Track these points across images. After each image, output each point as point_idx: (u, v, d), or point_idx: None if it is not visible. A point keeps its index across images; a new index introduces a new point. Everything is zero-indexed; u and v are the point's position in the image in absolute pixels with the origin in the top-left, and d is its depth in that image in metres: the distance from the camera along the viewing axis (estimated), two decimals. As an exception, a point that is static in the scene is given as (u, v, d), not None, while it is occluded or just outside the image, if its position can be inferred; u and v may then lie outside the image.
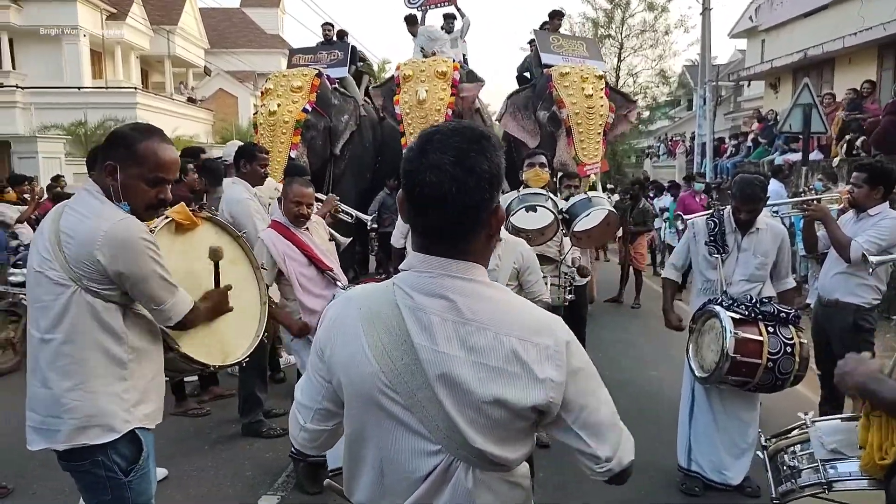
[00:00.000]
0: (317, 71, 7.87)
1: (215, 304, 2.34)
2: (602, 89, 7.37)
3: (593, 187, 6.79)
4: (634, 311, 8.87)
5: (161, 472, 3.60)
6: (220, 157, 5.94)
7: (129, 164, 2.00)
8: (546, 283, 3.53)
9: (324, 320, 1.35)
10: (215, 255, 2.39)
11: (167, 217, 2.31)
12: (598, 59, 8.86)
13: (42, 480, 3.75)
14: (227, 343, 2.46)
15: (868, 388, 1.74)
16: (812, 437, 2.12)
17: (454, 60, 7.96)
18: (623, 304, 9.28)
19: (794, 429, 2.27)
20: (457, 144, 1.18)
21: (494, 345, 1.18)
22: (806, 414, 2.22)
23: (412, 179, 1.18)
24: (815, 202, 3.97)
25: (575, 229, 4.26)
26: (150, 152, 2.01)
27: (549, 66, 7.85)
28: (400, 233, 5.85)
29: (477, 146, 1.19)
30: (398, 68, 7.86)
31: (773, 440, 2.34)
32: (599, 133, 7.22)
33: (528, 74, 9.11)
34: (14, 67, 22.07)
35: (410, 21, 9.44)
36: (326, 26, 9.70)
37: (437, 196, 1.16)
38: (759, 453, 2.43)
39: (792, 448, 2.23)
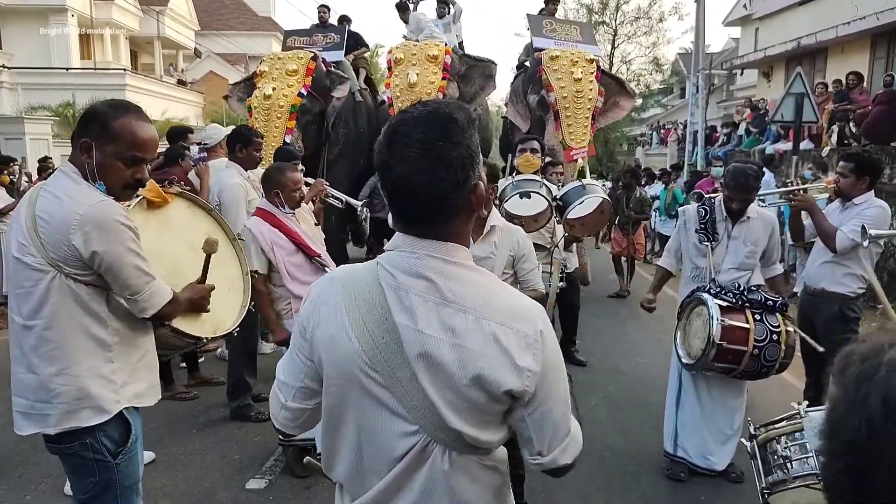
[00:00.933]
0: (312, 54, 7.78)
1: (198, 299, 2.26)
2: (593, 73, 7.31)
3: (582, 172, 6.76)
4: (624, 299, 8.85)
5: (148, 456, 3.60)
6: (201, 142, 5.89)
7: (104, 141, 1.94)
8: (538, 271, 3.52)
9: (307, 298, 1.34)
10: (210, 248, 2.29)
11: (138, 195, 2.24)
12: (592, 43, 8.77)
13: (28, 464, 3.74)
14: (215, 316, 2.43)
15: None
16: (806, 427, 2.09)
17: (447, 44, 7.89)
18: (627, 296, 8.95)
19: (784, 418, 2.24)
20: (421, 136, 1.17)
21: (474, 328, 1.18)
22: (800, 403, 2.19)
23: (383, 174, 1.20)
24: (801, 192, 3.98)
25: (568, 217, 4.25)
26: (128, 130, 1.95)
27: (540, 50, 7.81)
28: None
29: (443, 133, 1.18)
30: (390, 52, 7.80)
31: (762, 429, 2.31)
32: (587, 117, 7.17)
33: (528, 63, 9.05)
34: (1, 47, 21.74)
35: (402, 8, 9.34)
36: (322, 8, 9.54)
37: (409, 189, 1.17)
38: (744, 441, 2.41)
39: (784, 437, 2.20)
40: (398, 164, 1.17)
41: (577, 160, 6.96)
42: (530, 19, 8.59)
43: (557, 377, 1.26)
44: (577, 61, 7.29)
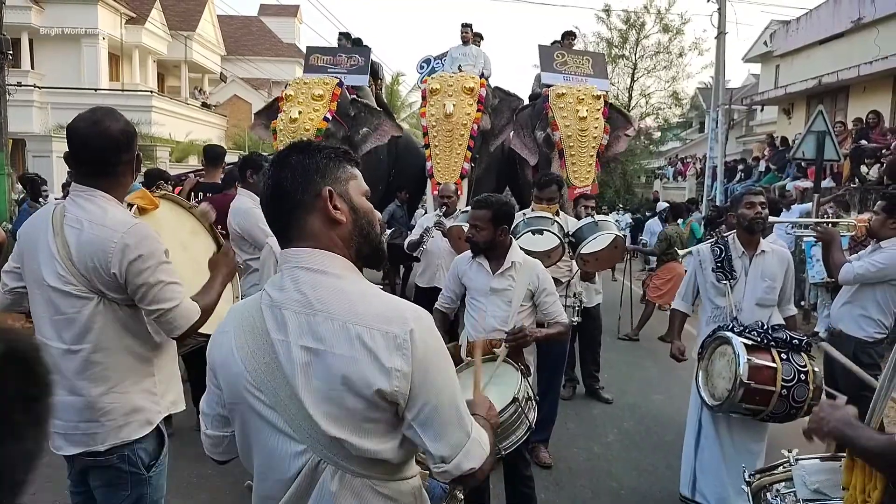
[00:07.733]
0: (338, 80, 7.91)
1: (230, 269, 2.33)
2: (599, 110, 7.29)
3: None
4: (640, 334, 8.64)
5: None
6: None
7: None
8: None
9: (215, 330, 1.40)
10: (206, 217, 2.55)
11: (131, 204, 2.29)
12: (604, 76, 8.72)
13: (42, 480, 3.73)
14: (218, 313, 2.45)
15: (845, 435, 1.70)
16: (795, 476, 2.02)
17: (484, 77, 8.00)
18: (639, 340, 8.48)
19: (778, 465, 2.16)
20: (286, 149, 1.36)
21: (340, 333, 1.20)
22: (790, 451, 2.11)
23: (262, 181, 1.35)
24: (829, 225, 3.98)
25: (581, 252, 4.23)
26: None
27: (548, 86, 7.85)
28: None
29: (306, 147, 1.35)
30: (424, 81, 7.90)
31: (757, 476, 2.23)
32: (592, 156, 7.14)
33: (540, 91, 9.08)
34: (33, 67, 22.34)
35: (467, 27, 9.05)
36: (342, 37, 9.68)
37: (273, 191, 1.31)
38: (743, 488, 2.34)
39: (776, 486, 2.12)
40: (273, 167, 1.33)
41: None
42: (541, 52, 8.57)
43: (438, 376, 1.24)
44: (583, 99, 7.29)
